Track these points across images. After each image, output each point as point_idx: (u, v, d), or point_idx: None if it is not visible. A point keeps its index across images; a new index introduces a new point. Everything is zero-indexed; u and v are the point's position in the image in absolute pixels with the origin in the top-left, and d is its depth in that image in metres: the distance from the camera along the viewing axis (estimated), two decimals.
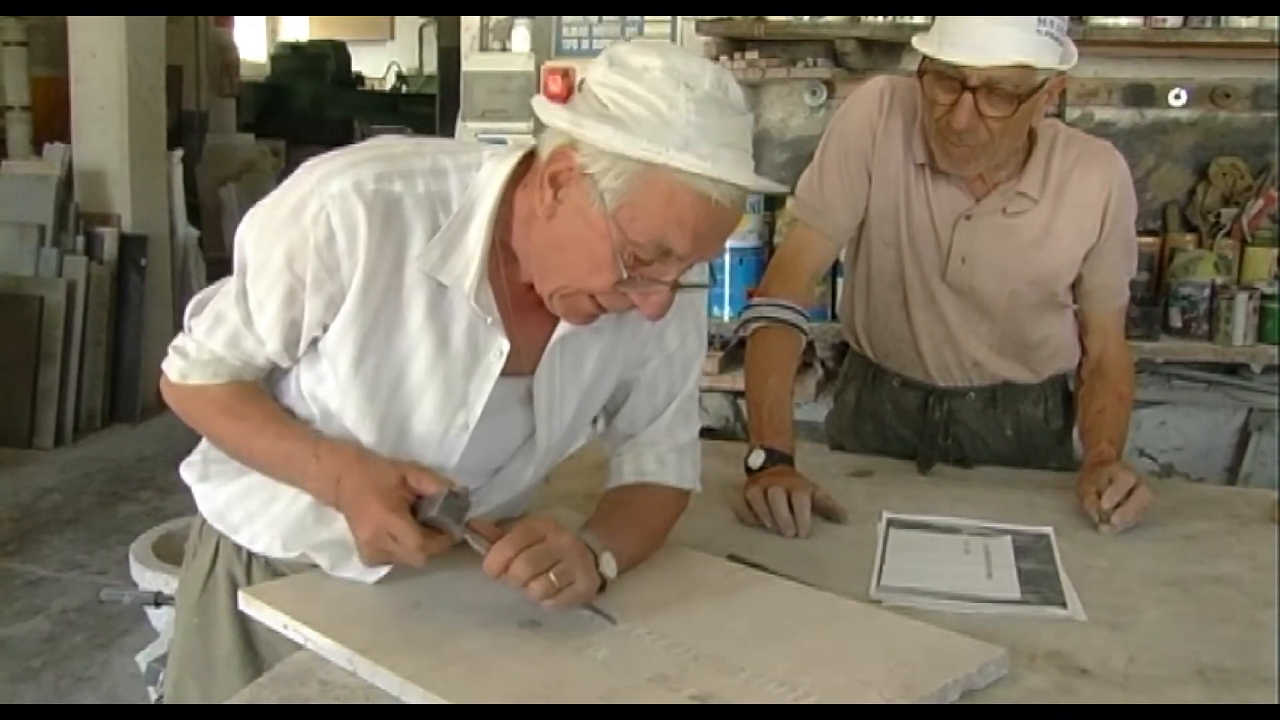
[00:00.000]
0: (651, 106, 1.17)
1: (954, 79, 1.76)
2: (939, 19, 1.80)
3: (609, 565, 1.32)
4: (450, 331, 1.32)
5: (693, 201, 1.19)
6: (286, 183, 1.31)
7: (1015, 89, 1.73)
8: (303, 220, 1.26)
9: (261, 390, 1.40)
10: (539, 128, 1.27)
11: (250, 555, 1.46)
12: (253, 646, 1.44)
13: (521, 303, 1.33)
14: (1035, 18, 1.71)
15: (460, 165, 1.31)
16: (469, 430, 1.35)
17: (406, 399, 1.33)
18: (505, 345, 1.32)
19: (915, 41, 1.83)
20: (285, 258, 1.27)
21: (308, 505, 1.39)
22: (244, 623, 1.43)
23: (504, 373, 1.34)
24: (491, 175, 1.30)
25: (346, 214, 1.25)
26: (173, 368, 1.39)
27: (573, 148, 1.21)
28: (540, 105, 1.26)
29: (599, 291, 1.26)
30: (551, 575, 1.23)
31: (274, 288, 1.29)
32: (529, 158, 1.30)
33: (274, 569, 1.44)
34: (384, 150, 1.31)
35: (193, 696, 1.49)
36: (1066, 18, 1.77)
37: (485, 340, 1.32)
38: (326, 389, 1.35)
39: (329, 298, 1.28)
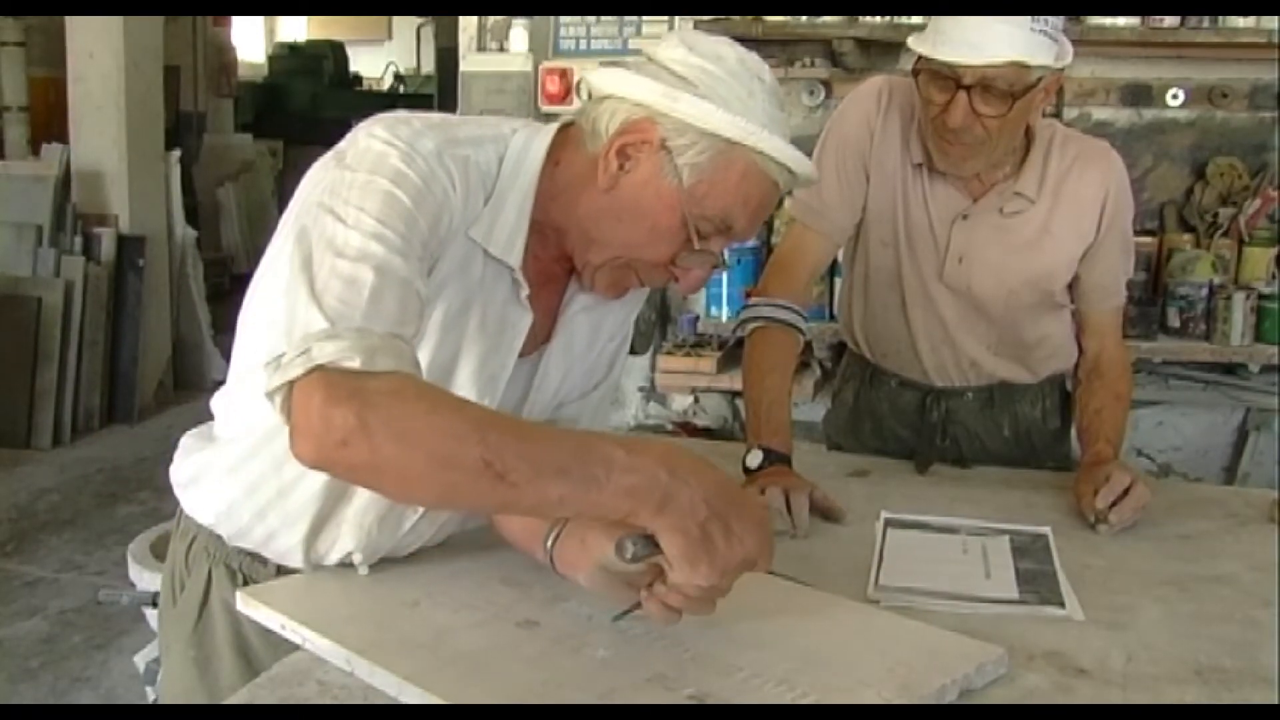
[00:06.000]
0: (736, 92, 1.21)
1: (948, 78, 1.76)
2: (933, 18, 1.80)
3: None
4: (488, 304, 1.28)
5: (760, 182, 1.24)
6: (366, 158, 1.17)
7: (1009, 87, 1.74)
8: (416, 169, 1.16)
9: None
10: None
11: (246, 581, 1.37)
12: (258, 674, 1.36)
13: (534, 279, 1.31)
14: (1029, 16, 1.71)
15: (492, 136, 1.28)
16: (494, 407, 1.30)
17: (438, 377, 1.26)
18: (529, 320, 1.31)
19: (910, 41, 1.83)
20: (413, 201, 1.15)
21: (323, 486, 1.28)
22: (247, 652, 1.37)
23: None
24: (528, 146, 1.28)
25: (446, 172, 1.19)
26: (345, 354, 1.02)
27: (652, 121, 1.21)
28: (617, 76, 1.24)
29: (653, 263, 1.27)
30: None
31: (413, 228, 1.14)
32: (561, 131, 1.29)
33: None
34: (426, 120, 1.23)
35: None
36: (1062, 16, 1.77)
37: (512, 315, 1.30)
38: None
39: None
